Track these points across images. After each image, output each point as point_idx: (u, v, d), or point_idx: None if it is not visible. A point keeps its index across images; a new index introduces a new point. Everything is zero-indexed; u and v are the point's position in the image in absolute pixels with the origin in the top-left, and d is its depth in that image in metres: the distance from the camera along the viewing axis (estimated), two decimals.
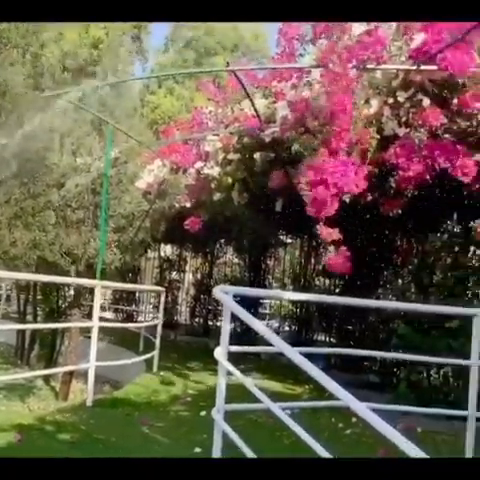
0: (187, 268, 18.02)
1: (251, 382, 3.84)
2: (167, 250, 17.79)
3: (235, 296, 4.46)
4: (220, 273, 17.19)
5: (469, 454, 4.67)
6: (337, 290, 12.10)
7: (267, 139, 6.79)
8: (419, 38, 5.01)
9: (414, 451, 2.29)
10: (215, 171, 7.41)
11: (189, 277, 17.92)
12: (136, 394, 7.36)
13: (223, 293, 4.14)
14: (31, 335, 11.57)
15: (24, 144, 5.67)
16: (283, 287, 16.64)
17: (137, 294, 18.29)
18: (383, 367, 9.14)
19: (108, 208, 7.17)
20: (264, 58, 32.79)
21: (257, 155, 6.95)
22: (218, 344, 4.16)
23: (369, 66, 4.83)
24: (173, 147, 8.23)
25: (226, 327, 4.19)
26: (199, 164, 7.62)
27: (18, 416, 5.91)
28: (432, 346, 6.61)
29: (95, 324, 6.60)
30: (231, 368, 3.97)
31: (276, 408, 3.58)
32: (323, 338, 13.00)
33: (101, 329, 11.42)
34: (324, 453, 2.92)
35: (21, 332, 11.99)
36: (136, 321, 16.65)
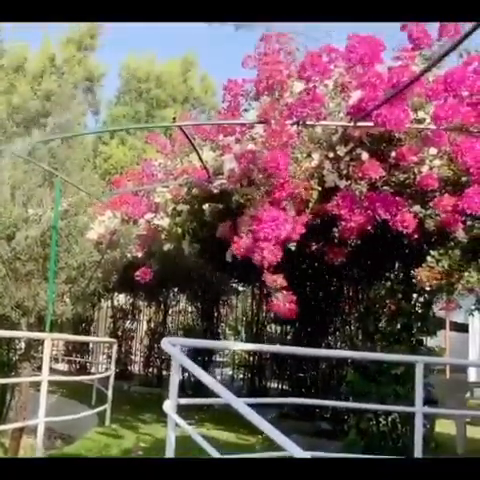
0: (141, 317, 17.91)
1: (197, 435, 3.88)
2: (120, 299, 17.69)
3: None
4: (174, 322, 17.15)
5: None
6: (289, 337, 12.22)
7: (215, 190, 6.96)
8: (356, 95, 5.28)
9: None
10: (165, 222, 7.53)
11: (143, 326, 17.79)
12: (87, 449, 7.23)
13: (171, 345, 4.21)
14: None
15: None
16: (237, 334, 16.71)
17: (90, 345, 18.07)
18: (334, 414, 9.21)
19: (58, 260, 7.17)
20: (213, 110, 33.56)
21: (206, 206, 7.11)
22: None
23: (308, 122, 5.05)
24: (123, 198, 8.33)
25: (175, 379, 4.24)
26: (149, 215, 7.73)
27: None
28: (379, 393, 6.74)
29: (44, 378, 6.50)
30: (179, 421, 4.01)
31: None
32: (276, 385, 13.06)
33: (53, 382, 11.26)
34: None
35: None
36: (89, 372, 16.41)
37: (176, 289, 16.03)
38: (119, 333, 16.87)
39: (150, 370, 16.50)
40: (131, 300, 17.47)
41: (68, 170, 8.84)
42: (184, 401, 4.38)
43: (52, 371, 11.46)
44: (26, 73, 27.35)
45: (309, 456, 2.81)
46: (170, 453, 4.11)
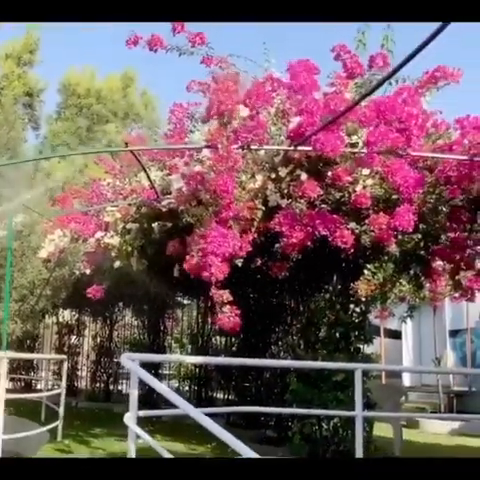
0: (86, 333, 17.93)
1: (157, 444, 4.18)
2: (66, 315, 17.66)
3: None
4: (120, 336, 17.26)
5: None
6: (233, 348, 12.53)
7: (164, 209, 7.26)
8: (295, 121, 5.71)
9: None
10: (115, 240, 7.77)
11: (89, 341, 17.80)
12: None
13: (130, 360, 4.50)
14: None
15: None
16: (182, 347, 16.96)
17: (35, 361, 17.93)
18: (279, 422, 9.58)
19: (12, 280, 7.34)
20: (154, 126, 33.74)
21: (155, 224, 7.40)
22: (122, 408, 4.46)
23: (253, 147, 5.44)
24: (73, 217, 8.53)
25: (134, 393, 4.52)
26: (99, 233, 7.95)
27: None
28: (321, 399, 7.13)
29: (1, 396, 6.62)
30: (140, 432, 4.30)
31: None
32: (222, 396, 13.35)
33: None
34: None
35: None
36: (35, 389, 16.28)
37: (121, 304, 16.16)
38: (65, 349, 16.85)
39: (97, 385, 16.55)
40: (76, 316, 17.47)
41: (15, 188, 8.99)
42: (143, 413, 4.66)
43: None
44: None
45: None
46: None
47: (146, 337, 15.84)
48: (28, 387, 16.81)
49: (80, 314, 17.33)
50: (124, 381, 16.42)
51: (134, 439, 4.44)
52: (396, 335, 18.22)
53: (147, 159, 7.89)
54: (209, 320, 14.05)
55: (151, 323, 15.77)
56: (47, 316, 14.86)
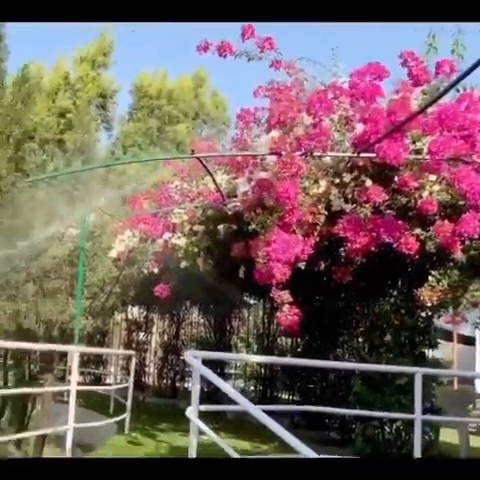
0: (154, 330, 18.30)
1: (220, 440, 4.35)
2: (134, 312, 18.10)
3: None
4: (186, 334, 17.54)
5: None
6: (299, 349, 12.60)
7: (229, 212, 7.41)
8: (359, 128, 5.75)
9: None
10: (182, 241, 7.99)
11: (156, 338, 18.19)
12: (109, 455, 7.70)
13: (193, 357, 4.68)
14: (1, 401, 11.73)
15: (9, 222, 6.19)
16: (248, 346, 17.10)
17: (104, 356, 18.47)
18: (342, 424, 9.62)
19: (84, 278, 7.68)
20: (223, 125, 34.09)
21: (220, 227, 7.58)
22: (187, 405, 4.65)
23: (316, 154, 5.52)
24: (142, 218, 8.81)
25: (196, 388, 4.70)
26: (167, 234, 8.19)
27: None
28: (384, 402, 7.17)
29: (73, 388, 6.96)
30: (202, 425, 4.48)
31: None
32: (287, 396, 13.43)
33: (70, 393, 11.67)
34: None
35: None
36: (104, 383, 16.82)
37: (188, 302, 16.44)
38: (133, 345, 17.27)
39: (164, 381, 16.88)
40: (144, 313, 17.85)
41: (89, 188, 9.36)
42: (204, 407, 4.84)
43: (68, 382, 11.90)
44: (41, 92, 27.98)
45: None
46: (193, 455, 4.57)
47: (212, 336, 16.08)
48: (97, 381, 17.37)
49: (148, 311, 17.69)
50: (190, 379, 16.72)
51: (196, 433, 4.62)
52: (470, 341, 17.84)
53: (214, 163, 8.07)
54: (275, 320, 14.15)
55: (217, 322, 16.01)
56: (116, 313, 15.28)
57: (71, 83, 30.33)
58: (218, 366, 13.96)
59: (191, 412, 4.63)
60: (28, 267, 6.96)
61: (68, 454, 6.99)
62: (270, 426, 3.58)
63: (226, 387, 4.38)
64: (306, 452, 3.23)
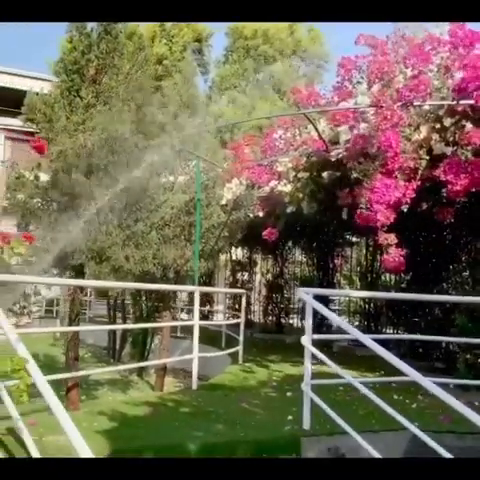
0: (257, 270, 18.91)
1: (331, 362, 4.96)
2: (238, 253, 18.75)
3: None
4: (290, 273, 18.08)
5: None
6: (403, 285, 12.86)
7: (332, 159, 7.84)
8: (458, 76, 5.99)
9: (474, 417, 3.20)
10: (287, 188, 8.52)
11: (260, 278, 18.82)
12: (229, 380, 8.64)
13: (305, 293, 5.29)
14: (122, 336, 12.81)
15: (132, 180, 6.92)
16: (351, 284, 17.44)
17: (210, 296, 19.26)
18: (446, 354, 9.98)
19: (201, 226, 8.40)
20: (322, 60, 33.63)
21: (324, 173, 8.03)
22: (293, 339, 5.25)
23: (416, 103, 5.83)
24: (249, 168, 9.39)
25: (309, 320, 5.33)
26: (274, 182, 8.74)
27: (136, 400, 7.02)
28: None
29: (196, 323, 7.84)
30: (315, 351, 5.11)
31: (356, 382, 4.70)
32: (391, 331, 13.74)
33: (184, 329, 12.59)
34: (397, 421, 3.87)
35: (113, 333, 13.34)
36: (211, 320, 17.75)
37: (291, 242, 16.91)
38: (238, 285, 18.02)
39: (270, 318, 17.56)
40: (248, 254, 18.49)
41: (196, 142, 9.94)
42: (317, 336, 5.47)
43: (180, 320, 12.67)
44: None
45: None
46: (307, 377, 5.24)
47: (315, 274, 16.54)
48: (205, 319, 18.20)
49: (251, 252, 18.29)
50: (294, 315, 17.42)
51: (309, 357, 5.26)
52: None
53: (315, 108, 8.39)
54: (378, 257, 14.41)
55: (320, 260, 16.39)
56: (221, 254, 15.88)
57: (167, 30, 30.89)
58: (322, 302, 14.36)
59: (305, 340, 5.26)
60: (149, 218, 7.72)
61: (194, 377, 7.78)
62: (380, 352, 4.14)
63: (336, 318, 5.01)
64: (414, 375, 3.77)
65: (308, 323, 5.35)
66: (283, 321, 17.27)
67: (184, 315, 18.66)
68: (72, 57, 7.91)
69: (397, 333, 13.21)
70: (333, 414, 4.81)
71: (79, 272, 7.83)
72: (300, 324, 16.18)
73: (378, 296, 11.13)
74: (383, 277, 14.56)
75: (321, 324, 13.00)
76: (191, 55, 30.49)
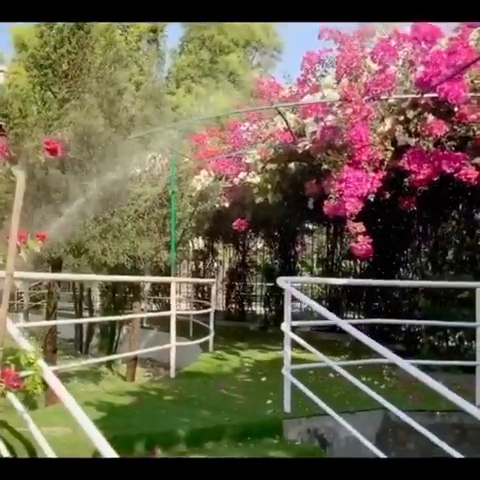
0: (219, 258, 19.08)
1: (308, 346, 5.23)
2: (199, 243, 18.82)
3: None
4: (252, 261, 18.21)
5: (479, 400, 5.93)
6: (362, 271, 13.25)
7: (300, 151, 8.07)
8: (421, 70, 6.29)
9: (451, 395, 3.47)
10: (256, 179, 8.74)
11: (223, 267, 18.98)
12: (205, 368, 8.87)
13: (285, 282, 5.54)
14: (88, 328, 12.73)
15: (107, 174, 7.02)
16: (309, 271, 17.73)
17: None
18: (407, 337, 10.37)
19: (176, 218, 8.56)
20: (274, 50, 33.89)
21: (291, 164, 8.28)
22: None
23: (383, 97, 6.11)
24: (217, 160, 9.57)
25: (288, 308, 5.58)
26: (242, 174, 8.95)
27: (111, 391, 7.11)
28: (448, 315, 7.89)
29: (173, 313, 8.05)
30: (295, 337, 5.36)
31: (337, 366, 4.99)
32: (352, 316, 14.10)
33: (149, 319, 12.61)
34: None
35: (79, 326, 13.29)
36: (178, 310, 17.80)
37: (251, 231, 17.12)
38: (200, 274, 18.18)
39: (233, 306, 17.79)
40: (209, 243, 18.48)
41: (161, 134, 10.01)
42: (296, 323, 5.73)
43: (143, 311, 12.67)
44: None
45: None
46: (287, 361, 5.50)
47: (277, 262, 16.80)
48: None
49: (212, 242, 18.33)
50: (256, 303, 17.67)
51: (289, 343, 5.53)
52: None
53: (280, 101, 8.59)
54: (338, 245, 14.76)
55: (281, 249, 16.65)
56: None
57: None
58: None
59: (285, 326, 5.51)
60: (125, 211, 7.82)
61: (172, 366, 7.95)
62: (356, 335, 4.43)
63: (315, 304, 5.28)
64: (393, 357, 4.06)
65: (287, 310, 5.60)
66: (246, 309, 17.52)
67: (148, 305, 18.64)
68: (44, 52, 7.92)
69: (358, 318, 13.58)
70: (315, 398, 5.08)
71: (56, 266, 7.91)
72: (263, 311, 16.45)
73: (353, 283, 11.44)
74: (343, 264, 14.88)
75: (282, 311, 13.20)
76: (147, 45, 30.30)
